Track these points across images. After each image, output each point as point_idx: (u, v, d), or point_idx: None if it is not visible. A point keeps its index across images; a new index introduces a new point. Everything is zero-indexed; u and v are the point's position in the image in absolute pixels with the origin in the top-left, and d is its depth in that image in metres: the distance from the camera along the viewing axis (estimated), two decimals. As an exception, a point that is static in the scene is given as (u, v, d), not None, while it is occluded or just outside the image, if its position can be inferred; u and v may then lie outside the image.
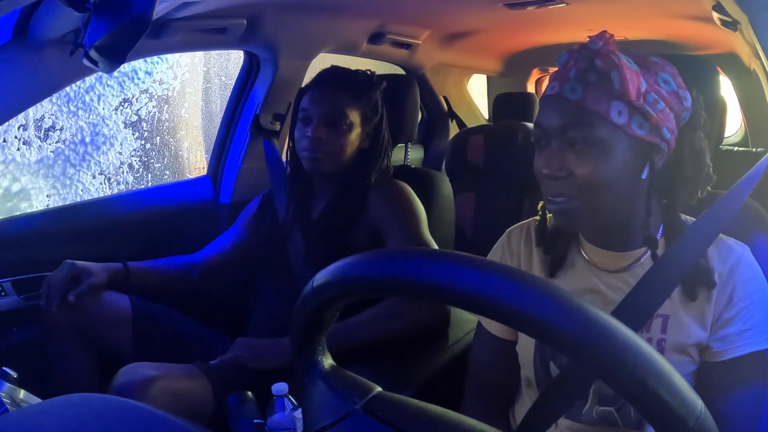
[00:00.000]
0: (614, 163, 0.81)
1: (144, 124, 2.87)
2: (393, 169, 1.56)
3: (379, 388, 0.59)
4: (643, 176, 0.83)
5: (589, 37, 0.80)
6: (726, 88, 2.46)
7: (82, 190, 2.69)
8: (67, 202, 2.49)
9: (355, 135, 1.47)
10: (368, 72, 1.53)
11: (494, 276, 0.48)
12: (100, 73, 1.46)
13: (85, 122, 2.66)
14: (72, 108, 2.58)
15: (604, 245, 0.90)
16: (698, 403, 0.46)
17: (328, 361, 0.64)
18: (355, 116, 1.46)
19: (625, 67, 0.77)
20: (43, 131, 2.49)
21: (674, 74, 0.84)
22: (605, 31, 0.79)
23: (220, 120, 2.02)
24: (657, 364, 0.45)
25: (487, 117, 3.11)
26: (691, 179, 0.86)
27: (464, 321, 1.37)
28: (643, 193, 0.85)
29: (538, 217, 0.97)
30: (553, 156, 0.83)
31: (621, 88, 0.78)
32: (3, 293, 1.44)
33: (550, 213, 0.90)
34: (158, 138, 2.93)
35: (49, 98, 1.98)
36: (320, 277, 0.57)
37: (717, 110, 1.03)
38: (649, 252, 0.88)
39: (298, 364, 0.64)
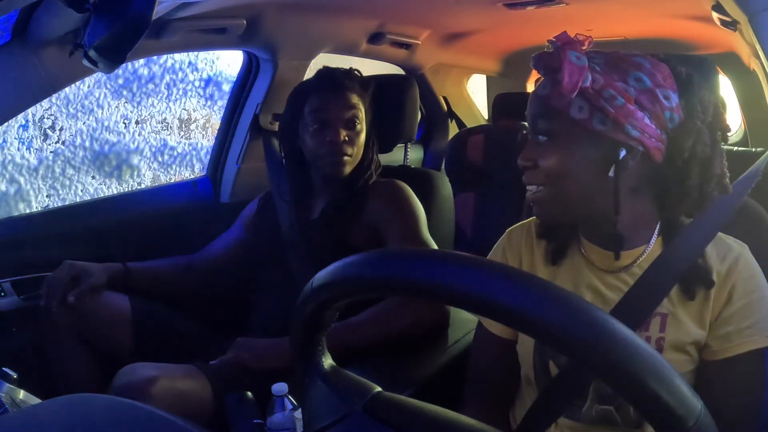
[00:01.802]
0: (576, 156, 0.84)
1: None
2: (391, 169, 1.56)
3: (379, 388, 0.59)
4: (611, 174, 0.83)
5: (548, 40, 0.84)
6: (726, 88, 2.46)
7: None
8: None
9: (365, 134, 1.49)
10: (356, 70, 1.54)
11: (494, 276, 0.48)
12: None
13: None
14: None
15: (602, 244, 0.90)
16: (698, 404, 0.46)
17: (328, 361, 0.64)
18: (364, 115, 1.48)
19: (566, 62, 0.79)
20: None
21: (653, 73, 0.82)
22: (565, 32, 0.82)
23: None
24: (657, 365, 0.45)
25: (486, 117, 3.10)
26: (695, 187, 0.84)
27: (464, 321, 1.36)
28: (611, 190, 0.84)
29: None
30: (527, 148, 0.88)
31: (562, 83, 0.80)
32: (3, 293, 1.44)
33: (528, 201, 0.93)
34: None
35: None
36: (320, 278, 0.58)
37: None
38: (646, 252, 0.88)
39: (298, 365, 0.64)
